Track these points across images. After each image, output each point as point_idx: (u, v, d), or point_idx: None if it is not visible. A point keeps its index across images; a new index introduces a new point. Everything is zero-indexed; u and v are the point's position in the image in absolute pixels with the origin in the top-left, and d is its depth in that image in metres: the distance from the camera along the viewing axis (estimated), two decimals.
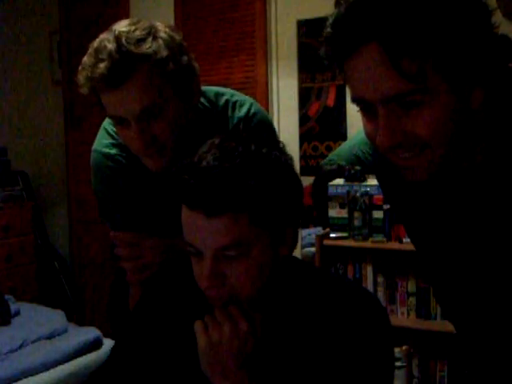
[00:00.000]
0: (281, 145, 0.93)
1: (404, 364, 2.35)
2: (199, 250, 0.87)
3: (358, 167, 2.43)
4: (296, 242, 0.96)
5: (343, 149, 2.72)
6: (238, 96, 1.36)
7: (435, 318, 2.33)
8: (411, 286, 2.36)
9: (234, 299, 0.88)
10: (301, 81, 3.21)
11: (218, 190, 0.82)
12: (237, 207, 0.83)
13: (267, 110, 3.16)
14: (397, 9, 0.71)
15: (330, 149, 3.11)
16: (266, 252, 0.88)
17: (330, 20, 0.77)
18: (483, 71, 0.76)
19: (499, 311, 0.93)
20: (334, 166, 2.56)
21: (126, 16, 3.62)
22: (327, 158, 2.78)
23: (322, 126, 3.17)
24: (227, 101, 1.33)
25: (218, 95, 1.34)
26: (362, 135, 0.85)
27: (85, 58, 1.12)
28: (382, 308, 0.95)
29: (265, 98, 3.24)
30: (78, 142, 4.07)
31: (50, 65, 4.21)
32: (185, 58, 1.16)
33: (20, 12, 4.08)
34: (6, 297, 3.05)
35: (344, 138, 3.06)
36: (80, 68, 1.12)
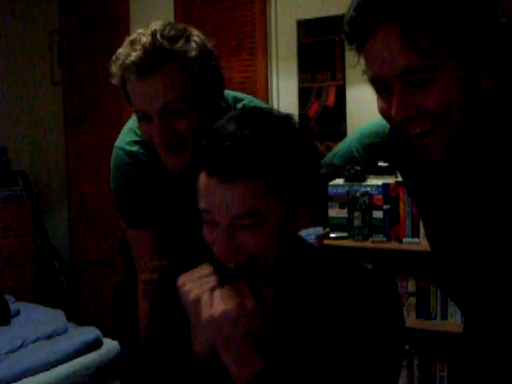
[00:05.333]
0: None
1: (404, 364, 2.35)
2: (214, 219, 0.87)
3: (358, 167, 2.44)
4: (311, 218, 0.97)
5: (340, 149, 2.72)
6: (256, 102, 1.42)
7: (435, 318, 2.32)
8: (411, 286, 2.36)
9: (252, 266, 0.88)
10: (301, 81, 3.21)
11: (235, 154, 0.83)
12: (253, 173, 0.84)
13: None
14: None
15: (329, 149, 3.10)
16: (281, 225, 0.88)
17: (353, 4, 0.84)
18: (492, 51, 0.81)
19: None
20: (330, 169, 2.56)
21: (126, 16, 3.62)
22: (325, 158, 2.78)
23: (321, 125, 3.16)
24: (244, 106, 1.37)
25: (237, 100, 1.39)
26: (356, 135, 0.89)
27: (119, 50, 1.18)
28: (388, 281, 0.96)
29: (265, 98, 3.24)
30: (78, 142, 4.08)
31: (50, 65, 4.20)
32: (213, 62, 1.24)
33: (20, 12, 4.08)
34: (6, 297, 3.05)
35: (344, 137, 3.06)
36: (114, 58, 1.19)
